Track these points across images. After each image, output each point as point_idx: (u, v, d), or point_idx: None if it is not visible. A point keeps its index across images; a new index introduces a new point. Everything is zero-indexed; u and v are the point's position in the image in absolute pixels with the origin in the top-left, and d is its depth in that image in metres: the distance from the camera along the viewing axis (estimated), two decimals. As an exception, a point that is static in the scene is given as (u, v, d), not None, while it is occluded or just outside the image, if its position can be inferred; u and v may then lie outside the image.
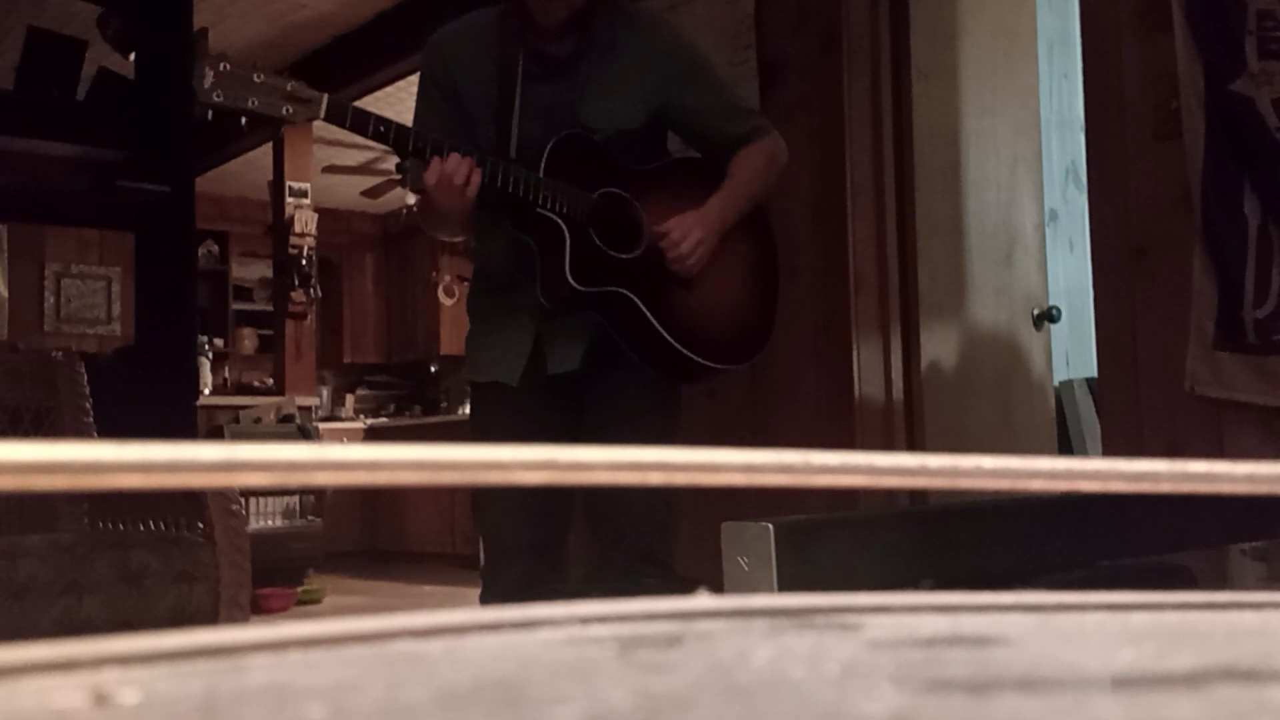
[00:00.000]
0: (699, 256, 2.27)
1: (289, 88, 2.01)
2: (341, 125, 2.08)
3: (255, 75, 1.98)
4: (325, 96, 2.05)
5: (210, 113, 1.99)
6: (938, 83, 3.45)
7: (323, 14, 6.20)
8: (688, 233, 2.25)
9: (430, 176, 2.09)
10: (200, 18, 5.79)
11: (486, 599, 2.30)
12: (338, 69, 6.21)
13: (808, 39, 3.44)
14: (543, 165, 2.18)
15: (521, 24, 2.26)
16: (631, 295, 2.24)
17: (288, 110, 2.01)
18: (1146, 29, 2.71)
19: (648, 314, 2.25)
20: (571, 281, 2.16)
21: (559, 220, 2.17)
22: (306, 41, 6.52)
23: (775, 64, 3.52)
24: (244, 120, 2.03)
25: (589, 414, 2.32)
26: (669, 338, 2.26)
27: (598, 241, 2.21)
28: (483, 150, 2.22)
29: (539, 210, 2.16)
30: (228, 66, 1.96)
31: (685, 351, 2.28)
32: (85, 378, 3.40)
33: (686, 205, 2.29)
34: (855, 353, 3.29)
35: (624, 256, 2.24)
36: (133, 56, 5.43)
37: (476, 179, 2.09)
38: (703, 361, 2.32)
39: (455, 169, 2.08)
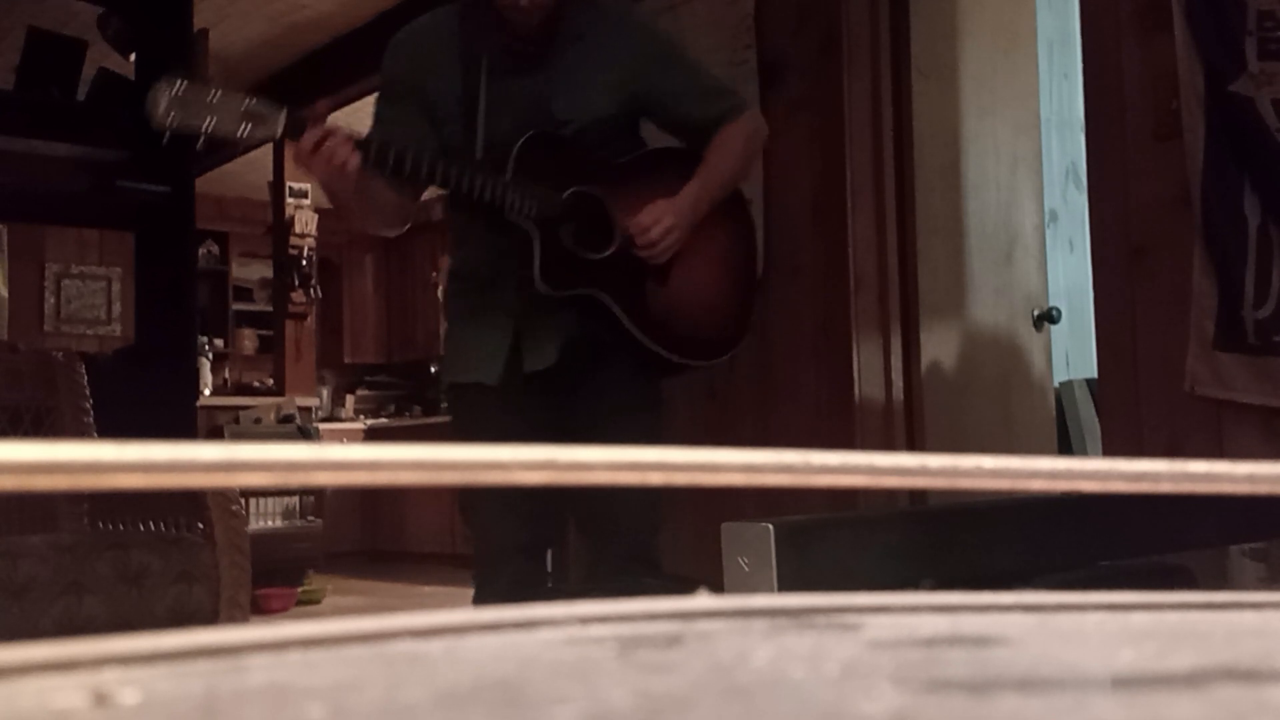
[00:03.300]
0: (669, 244, 2.23)
1: (246, 105, 1.96)
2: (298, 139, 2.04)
3: (211, 95, 1.93)
4: (284, 112, 2.00)
5: (167, 136, 1.93)
6: (938, 83, 3.45)
7: (323, 14, 6.19)
8: (658, 219, 2.22)
9: (305, 145, 2.03)
10: (200, 18, 5.80)
11: (480, 601, 2.29)
12: (338, 69, 6.21)
13: (808, 39, 3.44)
14: (510, 167, 2.15)
15: (488, 18, 2.23)
16: (603, 296, 2.22)
17: (245, 129, 1.96)
18: (1146, 29, 2.71)
19: (621, 316, 2.23)
20: (541, 286, 2.14)
21: (527, 224, 2.15)
22: (306, 41, 6.52)
23: (775, 64, 3.52)
24: (200, 142, 1.96)
25: (576, 414, 2.30)
26: (644, 339, 2.25)
27: (567, 243, 2.19)
28: (451, 150, 2.19)
29: (506, 216, 2.14)
30: (183, 87, 1.91)
31: (661, 352, 2.27)
32: (85, 378, 3.40)
33: (663, 195, 2.26)
34: (855, 353, 3.29)
35: (595, 257, 2.21)
36: (133, 56, 5.43)
37: (355, 161, 2.03)
38: (680, 360, 2.31)
39: (333, 147, 2.02)
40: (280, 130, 2.00)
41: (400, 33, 2.35)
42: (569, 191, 2.21)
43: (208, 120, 1.93)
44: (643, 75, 2.29)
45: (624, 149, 2.32)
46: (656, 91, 2.32)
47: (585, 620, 0.33)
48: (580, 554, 2.62)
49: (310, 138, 2.02)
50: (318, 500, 6.43)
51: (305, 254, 7.26)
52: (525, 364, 2.23)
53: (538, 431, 2.23)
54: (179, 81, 1.91)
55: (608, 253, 2.22)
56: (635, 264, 2.25)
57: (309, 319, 7.53)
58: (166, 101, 1.90)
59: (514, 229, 2.15)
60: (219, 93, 1.94)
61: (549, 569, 2.35)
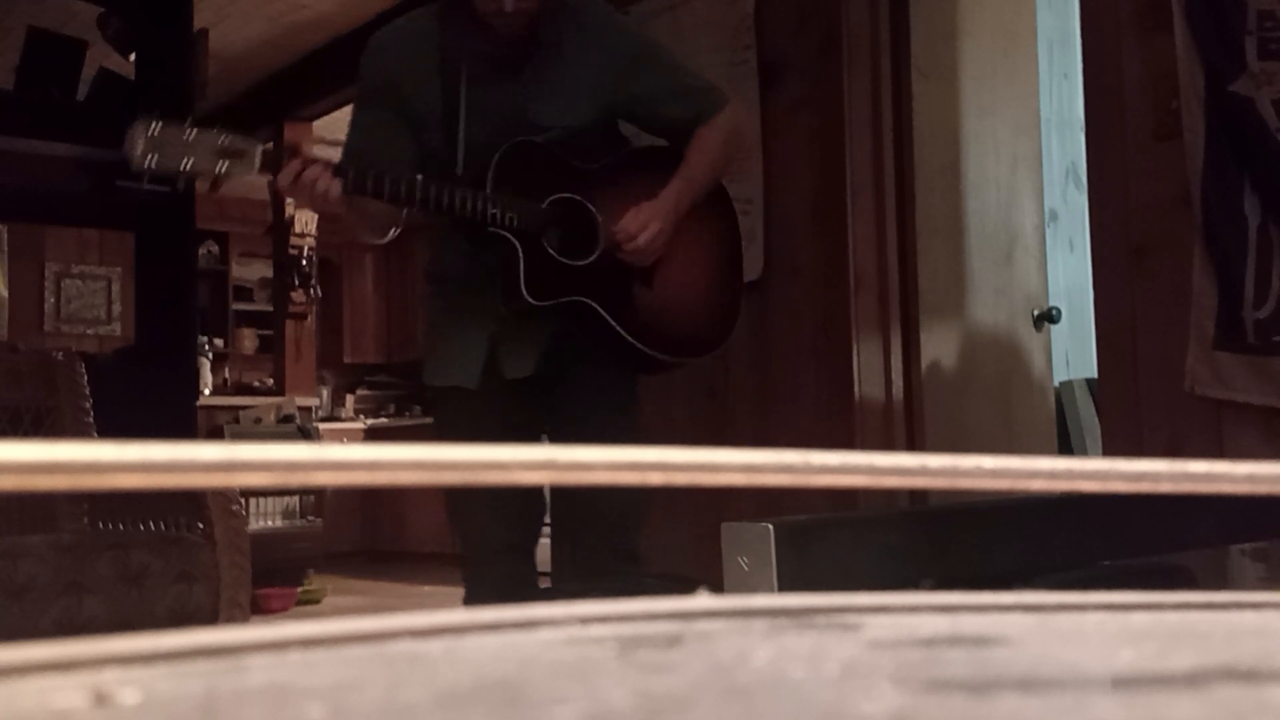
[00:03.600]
0: (655, 247, 2.24)
1: (222, 142, 1.95)
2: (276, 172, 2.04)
3: (187, 133, 1.93)
4: (260, 147, 2.00)
5: (147, 178, 1.93)
6: (938, 83, 3.45)
7: (323, 14, 6.19)
8: (645, 224, 2.22)
9: (284, 179, 2.03)
10: (200, 18, 5.80)
11: (471, 601, 2.29)
12: (338, 69, 6.21)
13: (808, 39, 3.45)
14: (490, 179, 2.14)
15: (467, 24, 2.22)
16: (591, 303, 2.21)
17: (223, 167, 1.96)
18: (1146, 29, 2.71)
19: (610, 320, 2.23)
20: (527, 297, 2.14)
21: (510, 236, 2.14)
22: (306, 41, 6.52)
23: (775, 64, 3.52)
24: (180, 183, 1.98)
25: (553, 415, 2.30)
26: (634, 342, 2.25)
27: (552, 252, 2.18)
28: (431, 159, 2.20)
29: (489, 229, 2.14)
30: (158, 128, 1.91)
31: (654, 354, 2.28)
32: (85, 378, 3.40)
33: (645, 196, 2.25)
34: (855, 353, 3.29)
35: (580, 263, 2.21)
36: (133, 56, 5.43)
37: (336, 188, 2.04)
38: (672, 359, 2.32)
39: (313, 178, 2.02)
40: (257, 165, 2.00)
41: (376, 37, 2.34)
42: (550, 199, 2.20)
43: (185, 160, 1.93)
44: (621, 80, 2.29)
45: (604, 151, 2.31)
46: (635, 95, 2.31)
47: (585, 620, 0.33)
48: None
49: (288, 173, 2.03)
50: (318, 500, 6.43)
51: (305, 254, 7.26)
52: (505, 371, 2.24)
53: (516, 433, 2.23)
54: (154, 123, 1.90)
55: (592, 258, 2.22)
56: (621, 267, 2.25)
57: (309, 319, 7.53)
58: (144, 144, 1.89)
59: (497, 241, 2.15)
60: (194, 131, 1.94)
61: (538, 569, 2.35)
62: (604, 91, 2.28)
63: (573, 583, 2.33)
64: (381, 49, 2.32)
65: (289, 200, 7.25)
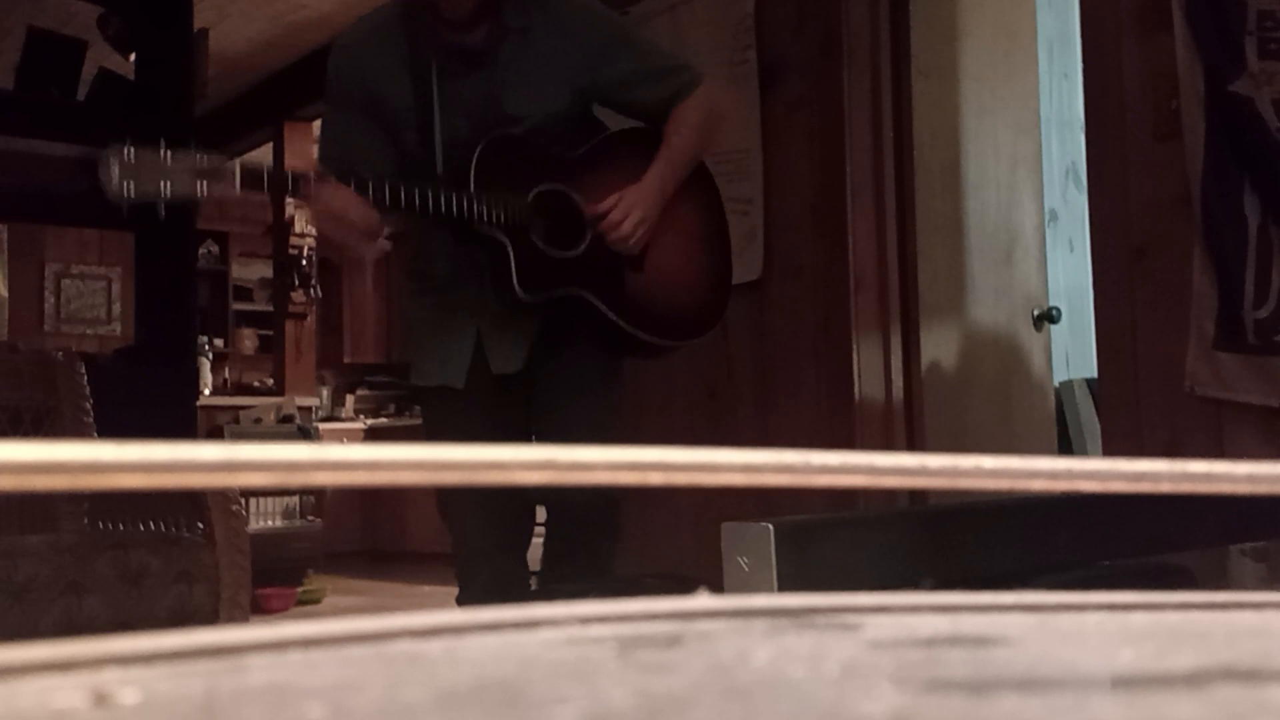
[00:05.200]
0: (641, 234, 2.22)
1: (200, 163, 1.91)
2: (259, 190, 2.01)
3: (163, 156, 1.88)
4: (238, 164, 1.98)
5: (127, 207, 1.88)
6: (938, 83, 3.46)
7: (323, 14, 6.19)
8: (627, 212, 2.20)
9: (314, 204, 2.01)
10: (200, 18, 5.79)
11: (464, 600, 2.29)
12: (338, 69, 6.21)
13: (808, 39, 3.45)
14: (472, 176, 2.12)
15: (430, 20, 2.19)
16: (584, 294, 2.20)
17: (203, 188, 1.91)
18: (1146, 29, 2.71)
19: (605, 310, 2.22)
20: (520, 293, 2.12)
21: (498, 233, 2.13)
22: (306, 41, 6.52)
23: (775, 64, 3.52)
24: (160, 208, 1.90)
25: (536, 401, 2.29)
26: (632, 330, 2.24)
27: (540, 245, 2.16)
28: (409, 159, 2.19)
29: (476, 228, 2.13)
30: (132, 154, 1.85)
31: (651, 339, 2.27)
32: (85, 378, 3.39)
33: (628, 180, 2.23)
34: (855, 353, 3.29)
35: (570, 255, 2.19)
36: (133, 56, 5.43)
37: (369, 215, 2.03)
38: (671, 343, 2.33)
39: (346, 203, 2.00)
40: (238, 184, 1.97)
41: (343, 37, 2.32)
42: (534, 191, 2.18)
43: (163, 185, 1.87)
44: (593, 64, 2.26)
45: (581, 138, 2.29)
46: (609, 79, 2.29)
47: (585, 620, 0.33)
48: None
49: (322, 188, 2.02)
50: (318, 500, 6.43)
51: (305, 254, 7.26)
52: (493, 366, 2.23)
53: (505, 430, 2.23)
54: (127, 150, 1.86)
55: (581, 249, 2.21)
56: (611, 254, 2.23)
57: (309, 319, 7.53)
58: (119, 172, 1.84)
59: (485, 239, 2.14)
60: (169, 154, 1.89)
61: (531, 569, 2.35)
62: (578, 76, 2.25)
63: (558, 569, 2.31)
64: (347, 51, 2.29)
65: (289, 199, 7.24)
